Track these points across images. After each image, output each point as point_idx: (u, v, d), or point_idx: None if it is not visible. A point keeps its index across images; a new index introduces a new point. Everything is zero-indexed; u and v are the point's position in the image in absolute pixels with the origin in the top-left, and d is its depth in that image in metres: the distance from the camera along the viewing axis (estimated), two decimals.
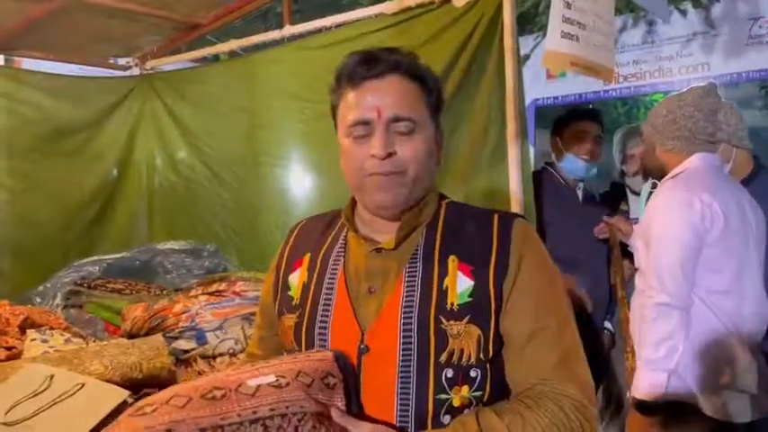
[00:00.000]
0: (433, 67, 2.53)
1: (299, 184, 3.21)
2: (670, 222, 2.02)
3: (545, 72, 7.03)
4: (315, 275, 1.16)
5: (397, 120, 1.06)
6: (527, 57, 4.84)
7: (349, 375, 1.02)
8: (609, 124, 11.12)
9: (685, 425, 2.05)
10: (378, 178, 1.06)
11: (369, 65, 1.08)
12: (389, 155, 1.05)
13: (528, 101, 7.22)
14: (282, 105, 3.16)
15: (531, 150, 7.22)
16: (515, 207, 2.40)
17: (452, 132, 2.67)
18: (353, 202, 1.19)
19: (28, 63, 3.61)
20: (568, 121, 2.94)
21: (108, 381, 1.69)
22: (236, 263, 3.20)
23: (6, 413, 1.51)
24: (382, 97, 1.06)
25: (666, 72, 6.19)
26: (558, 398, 1.02)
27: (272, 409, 0.91)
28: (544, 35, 2.08)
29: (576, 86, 6.94)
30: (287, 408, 0.91)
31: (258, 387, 0.93)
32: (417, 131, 1.08)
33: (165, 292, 2.86)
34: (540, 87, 7.18)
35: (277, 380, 0.95)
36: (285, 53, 3.17)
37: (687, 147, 2.13)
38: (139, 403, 0.93)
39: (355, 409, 1.03)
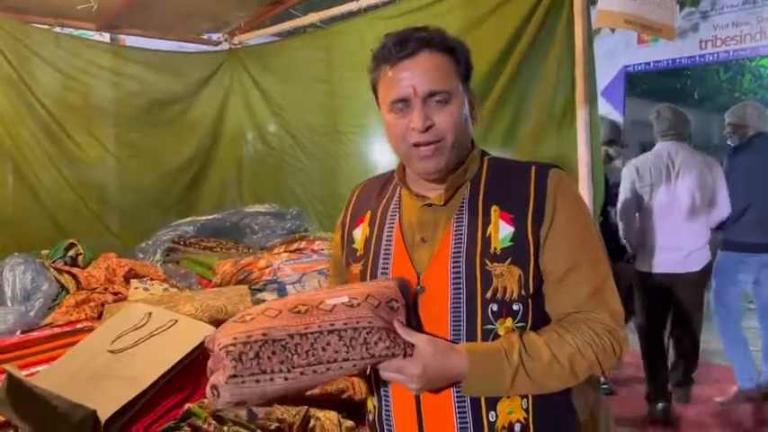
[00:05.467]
0: (502, 33, 2.62)
1: (375, 151, 3.35)
2: None
3: (636, 37, 6.75)
4: (375, 229, 1.30)
5: (432, 94, 1.16)
6: None
7: (409, 301, 1.18)
8: (710, 91, 10.46)
9: None
10: (420, 149, 1.17)
11: (401, 45, 1.16)
12: (428, 127, 1.15)
13: (618, 67, 7.00)
14: (358, 75, 3.25)
15: (621, 119, 7.03)
16: (583, 169, 2.43)
17: (523, 96, 2.71)
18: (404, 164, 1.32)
19: (130, 41, 3.93)
20: None
21: (197, 320, 1.91)
22: (316, 225, 3.39)
23: (112, 343, 1.76)
24: (416, 75, 1.15)
25: None
26: (592, 323, 1.16)
27: (346, 324, 1.07)
28: None
29: (669, 51, 6.64)
30: (357, 323, 1.08)
31: (335, 306, 1.11)
32: (452, 101, 1.17)
33: (251, 251, 3.10)
34: (632, 53, 6.92)
35: (350, 300, 1.12)
36: (360, 24, 3.28)
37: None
38: (240, 313, 1.13)
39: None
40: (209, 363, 1.09)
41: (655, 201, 3.65)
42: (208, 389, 1.05)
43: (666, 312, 3.82)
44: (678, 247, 3.61)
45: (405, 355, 1.09)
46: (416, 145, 1.17)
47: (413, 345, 1.10)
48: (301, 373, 1.05)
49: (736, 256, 3.80)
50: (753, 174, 3.75)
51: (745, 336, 3.95)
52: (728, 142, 3.98)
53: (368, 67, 1.25)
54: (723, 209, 3.63)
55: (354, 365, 1.08)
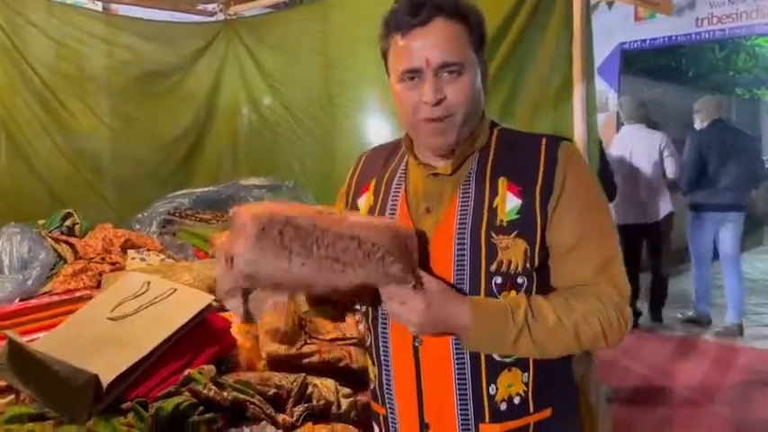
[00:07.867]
0: (501, 7, 2.61)
1: (372, 124, 3.34)
2: None
3: (633, 13, 6.71)
4: (380, 198, 1.28)
5: (444, 65, 1.12)
6: None
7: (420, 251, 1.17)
8: (705, 70, 10.44)
9: None
10: (430, 125, 1.14)
11: (414, 12, 1.12)
12: (440, 101, 1.12)
13: (614, 45, 6.98)
14: (356, 48, 3.26)
15: (615, 97, 7.03)
16: (579, 145, 2.44)
17: (520, 72, 2.70)
18: None
19: (123, 10, 3.88)
20: None
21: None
22: (311, 198, 3.39)
23: (112, 311, 1.77)
24: (429, 45, 1.11)
25: (767, 12, 5.79)
26: (599, 294, 1.15)
27: (367, 236, 1.07)
28: None
29: (665, 29, 6.60)
30: (377, 240, 1.07)
31: (356, 221, 1.11)
32: (464, 73, 1.13)
33: None
34: (628, 30, 6.88)
35: (370, 222, 1.13)
36: None
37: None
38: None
39: None
40: (227, 235, 1.07)
41: (620, 167, 4.96)
42: (222, 261, 1.03)
43: (637, 252, 5.15)
44: (639, 202, 5.02)
45: (414, 287, 1.08)
46: (427, 120, 1.14)
47: (422, 282, 1.09)
48: (318, 265, 1.03)
49: (699, 215, 5.11)
50: (710, 150, 4.97)
51: (711, 274, 5.27)
52: (695, 126, 5.25)
53: (378, 34, 1.21)
54: (670, 171, 5.01)
55: (368, 277, 1.07)
